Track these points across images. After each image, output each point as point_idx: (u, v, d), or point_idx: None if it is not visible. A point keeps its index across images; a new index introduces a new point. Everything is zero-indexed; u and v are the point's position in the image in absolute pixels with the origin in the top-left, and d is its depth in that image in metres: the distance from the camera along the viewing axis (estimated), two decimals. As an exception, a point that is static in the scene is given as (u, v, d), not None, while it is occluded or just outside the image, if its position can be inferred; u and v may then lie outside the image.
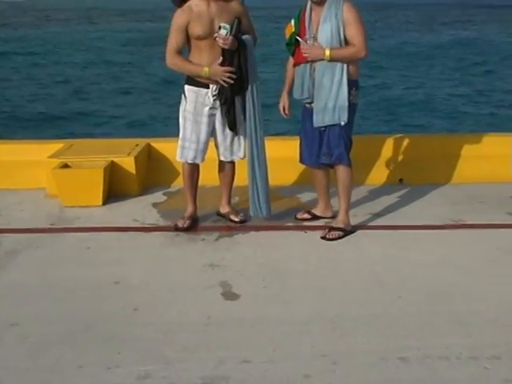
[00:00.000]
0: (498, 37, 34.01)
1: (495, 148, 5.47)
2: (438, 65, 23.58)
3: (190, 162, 4.39)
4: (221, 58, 4.12)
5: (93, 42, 33.37)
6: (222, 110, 4.29)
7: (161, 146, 5.51)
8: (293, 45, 4.24)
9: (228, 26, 4.06)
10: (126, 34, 38.51)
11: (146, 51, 27.57)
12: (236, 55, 4.14)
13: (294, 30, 4.21)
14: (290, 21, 4.26)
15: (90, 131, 12.55)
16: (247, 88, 4.22)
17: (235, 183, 4.65)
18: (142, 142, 5.52)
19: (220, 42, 4.07)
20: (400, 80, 20.21)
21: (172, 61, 4.19)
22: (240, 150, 4.44)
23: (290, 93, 4.43)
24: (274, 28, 33.06)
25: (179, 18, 4.13)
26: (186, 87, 4.28)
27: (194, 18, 4.09)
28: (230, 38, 4.06)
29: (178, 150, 4.40)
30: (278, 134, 7.94)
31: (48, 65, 24.76)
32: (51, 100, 17.03)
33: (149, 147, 5.48)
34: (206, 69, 4.12)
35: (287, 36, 4.27)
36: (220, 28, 4.07)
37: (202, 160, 4.42)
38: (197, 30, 4.09)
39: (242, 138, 4.41)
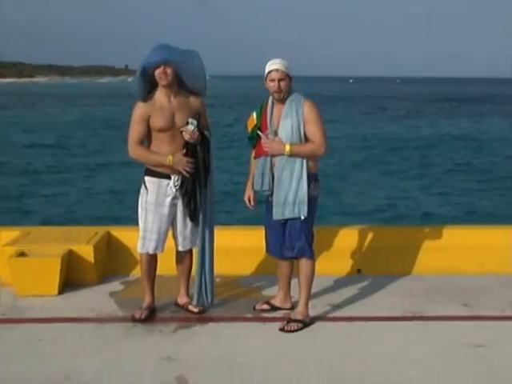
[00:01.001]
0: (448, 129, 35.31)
1: (451, 240, 5.60)
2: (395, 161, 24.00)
3: (151, 252, 4.40)
4: (184, 150, 4.22)
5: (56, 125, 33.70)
6: (183, 200, 4.34)
7: (120, 234, 5.48)
8: (254, 138, 4.37)
9: (195, 122, 4.21)
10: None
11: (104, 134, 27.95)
12: (200, 148, 4.26)
13: (255, 122, 4.35)
14: (252, 113, 4.40)
15: (49, 217, 12.43)
16: (208, 180, 4.32)
17: (193, 273, 4.63)
18: (102, 229, 5.49)
19: (187, 136, 4.19)
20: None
21: (135, 151, 4.26)
22: (197, 240, 4.48)
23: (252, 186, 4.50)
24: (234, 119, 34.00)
25: (140, 109, 4.24)
26: (147, 178, 4.34)
27: (156, 110, 4.21)
28: (197, 133, 4.21)
29: (140, 242, 4.40)
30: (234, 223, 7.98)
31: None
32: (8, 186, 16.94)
33: (108, 235, 5.45)
34: (170, 157, 4.20)
35: (249, 128, 4.40)
36: (188, 123, 4.20)
37: (162, 250, 4.43)
38: (158, 122, 4.20)
39: (200, 227, 4.45)
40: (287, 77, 4.21)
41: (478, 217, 13.73)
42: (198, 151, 4.26)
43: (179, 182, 4.29)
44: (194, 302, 4.52)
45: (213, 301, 4.56)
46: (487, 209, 14.80)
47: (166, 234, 4.41)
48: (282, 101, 4.24)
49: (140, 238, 4.40)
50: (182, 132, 4.23)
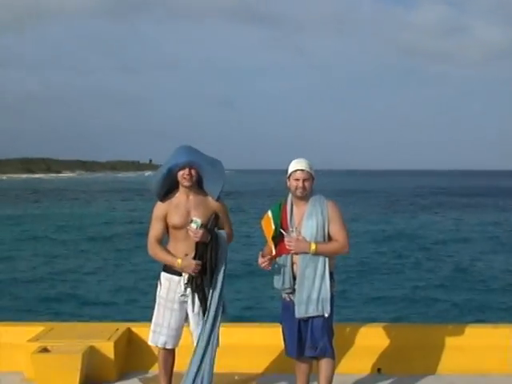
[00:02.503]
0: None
1: (473, 340, 5.52)
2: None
3: (160, 346, 4.46)
4: (193, 252, 4.34)
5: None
6: (193, 297, 4.42)
7: (141, 330, 5.51)
8: (277, 237, 4.37)
9: (199, 221, 4.30)
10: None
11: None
12: (209, 247, 4.34)
13: (272, 222, 4.38)
14: (267, 213, 4.45)
15: (73, 312, 12.51)
16: (215, 278, 4.39)
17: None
18: (123, 326, 5.55)
19: (191, 234, 4.31)
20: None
21: (152, 250, 4.43)
22: (198, 334, 4.46)
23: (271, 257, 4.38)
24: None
25: (158, 208, 4.44)
26: (162, 274, 4.49)
27: (172, 208, 4.40)
28: (200, 231, 4.29)
29: (150, 334, 4.51)
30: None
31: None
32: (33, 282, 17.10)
33: (129, 332, 5.50)
34: (179, 261, 4.34)
35: (264, 229, 4.42)
36: (191, 222, 4.32)
37: (174, 345, 4.48)
38: (173, 219, 4.38)
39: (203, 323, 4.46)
40: (311, 177, 4.34)
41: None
42: (208, 250, 4.34)
43: (187, 280, 4.39)
44: None
45: None
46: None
47: (177, 331, 4.48)
48: (304, 200, 4.36)
49: (150, 331, 4.50)
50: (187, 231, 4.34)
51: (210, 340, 4.41)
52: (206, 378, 4.43)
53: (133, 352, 5.42)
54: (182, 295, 4.43)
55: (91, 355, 5.03)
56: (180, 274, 4.41)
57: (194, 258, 4.33)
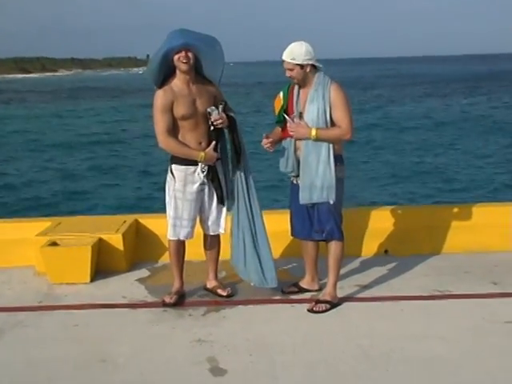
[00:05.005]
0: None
1: (479, 218, 5.57)
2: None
3: (182, 239, 4.46)
4: (213, 143, 4.29)
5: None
6: (210, 185, 4.40)
7: (148, 221, 5.57)
8: (281, 121, 4.35)
9: (214, 108, 4.25)
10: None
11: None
12: (229, 132, 4.34)
13: (282, 103, 4.33)
14: (279, 93, 4.38)
15: (77, 209, 12.65)
16: (242, 161, 4.40)
17: (221, 257, 4.70)
18: (130, 218, 5.58)
19: (219, 122, 4.23)
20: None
21: (166, 144, 4.24)
22: (224, 224, 4.54)
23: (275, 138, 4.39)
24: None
25: (163, 98, 4.20)
26: (174, 166, 4.36)
27: (177, 98, 4.20)
28: (225, 117, 4.25)
29: (170, 229, 4.45)
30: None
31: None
32: (37, 182, 17.24)
33: (136, 223, 5.54)
34: (202, 154, 4.25)
35: (276, 108, 4.38)
36: (210, 113, 4.24)
37: (193, 236, 4.50)
38: (181, 110, 4.21)
39: (225, 212, 4.52)
40: (296, 66, 4.15)
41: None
42: (230, 133, 4.34)
43: (206, 169, 4.34)
44: (256, 283, 4.54)
45: (274, 281, 4.52)
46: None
47: (195, 221, 4.48)
48: (308, 84, 4.21)
49: (170, 226, 4.44)
50: (212, 123, 4.26)
51: (254, 226, 4.48)
52: (266, 263, 4.51)
53: (141, 243, 5.48)
54: (200, 184, 4.37)
55: (100, 247, 5.09)
56: (195, 164, 4.32)
57: (216, 147, 4.30)
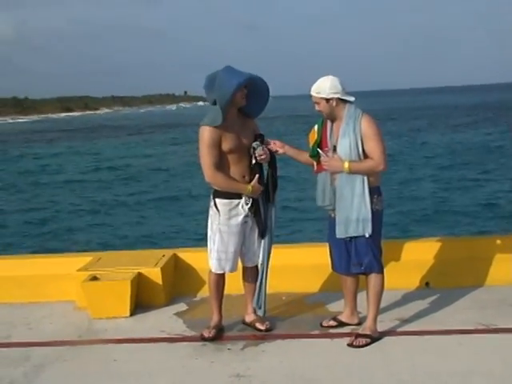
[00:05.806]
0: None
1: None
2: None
3: (228, 272, 4.49)
4: (257, 176, 4.36)
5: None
6: (252, 218, 4.44)
7: (186, 255, 5.60)
8: (315, 156, 4.37)
9: (259, 143, 4.36)
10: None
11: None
12: (269, 166, 4.44)
13: (316, 137, 4.37)
14: (314, 127, 4.43)
15: (116, 244, 12.86)
16: (273, 196, 4.47)
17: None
18: (168, 252, 5.62)
19: (263, 157, 4.34)
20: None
21: (214, 178, 4.29)
22: (260, 255, 4.55)
23: (292, 154, 4.52)
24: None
25: (212, 133, 4.23)
26: (218, 200, 4.38)
27: (225, 133, 4.26)
28: (268, 152, 4.37)
29: (215, 263, 4.45)
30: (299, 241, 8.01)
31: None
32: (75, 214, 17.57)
33: (175, 257, 5.57)
34: (249, 187, 4.32)
35: (310, 142, 4.41)
36: (255, 149, 4.34)
37: (236, 269, 4.53)
38: (228, 144, 4.27)
39: (263, 244, 4.54)
40: (322, 100, 4.21)
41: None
42: (270, 168, 4.44)
43: (250, 201, 4.38)
44: (256, 306, 4.58)
45: (265, 313, 4.61)
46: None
47: (238, 253, 4.51)
48: (340, 118, 4.24)
49: (214, 259, 4.45)
50: (256, 158, 4.34)
51: (268, 260, 4.52)
52: (262, 297, 4.55)
53: (179, 277, 5.50)
54: (244, 216, 4.40)
55: (140, 281, 5.13)
56: (239, 197, 4.36)
57: (259, 180, 4.38)
